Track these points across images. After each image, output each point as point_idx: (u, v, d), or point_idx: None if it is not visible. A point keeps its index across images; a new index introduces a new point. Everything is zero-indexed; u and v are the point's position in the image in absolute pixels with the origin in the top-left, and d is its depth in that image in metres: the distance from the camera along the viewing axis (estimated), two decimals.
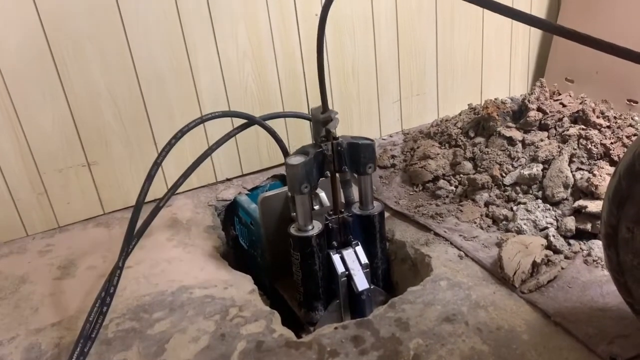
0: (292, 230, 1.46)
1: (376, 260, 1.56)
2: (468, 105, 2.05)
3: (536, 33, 2.48)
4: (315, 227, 1.45)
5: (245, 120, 1.63)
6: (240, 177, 2.10)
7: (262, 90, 2.00)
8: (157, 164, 1.48)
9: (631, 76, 2.00)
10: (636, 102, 2.00)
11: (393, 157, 2.07)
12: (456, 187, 1.76)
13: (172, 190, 1.54)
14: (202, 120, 1.56)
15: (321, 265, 1.45)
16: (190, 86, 1.90)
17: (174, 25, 1.80)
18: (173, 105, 1.89)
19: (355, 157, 1.46)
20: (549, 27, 0.85)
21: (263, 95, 2.00)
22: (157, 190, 1.79)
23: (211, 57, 1.89)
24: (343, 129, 2.22)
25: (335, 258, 1.48)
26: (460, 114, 2.02)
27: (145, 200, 1.46)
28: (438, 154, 1.87)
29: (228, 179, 2.09)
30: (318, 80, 1.38)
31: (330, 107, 2.31)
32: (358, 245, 1.51)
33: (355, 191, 1.55)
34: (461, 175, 1.77)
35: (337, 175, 1.49)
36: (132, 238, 1.45)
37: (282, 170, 2.04)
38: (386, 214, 1.82)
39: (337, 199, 1.52)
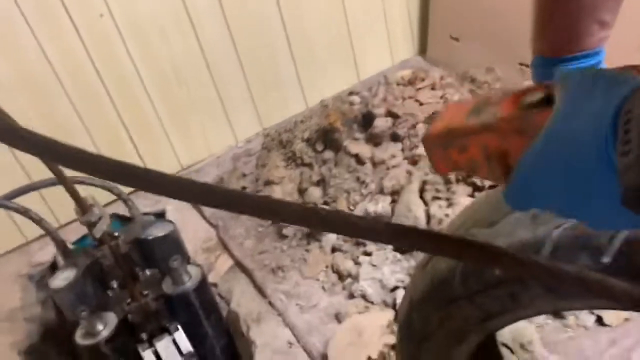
0: (78, 337, 1.12)
1: (208, 340, 1.25)
2: (320, 102, 1.67)
3: None
4: (107, 327, 1.12)
5: None
6: (60, 228, 1.70)
7: (51, 128, 1.56)
8: None
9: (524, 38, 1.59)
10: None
11: (244, 176, 1.70)
12: None
13: None
14: None
15: None
16: None
17: None
18: None
19: (150, 255, 1.14)
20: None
21: (56, 132, 1.57)
22: None
23: None
24: (180, 146, 1.82)
25: (147, 355, 1.17)
26: (311, 117, 1.64)
27: None
28: (284, 177, 1.51)
29: (43, 235, 1.68)
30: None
31: (159, 121, 1.87)
32: (178, 329, 1.20)
33: None
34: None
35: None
36: None
37: (118, 209, 1.59)
38: (229, 263, 1.49)
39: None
